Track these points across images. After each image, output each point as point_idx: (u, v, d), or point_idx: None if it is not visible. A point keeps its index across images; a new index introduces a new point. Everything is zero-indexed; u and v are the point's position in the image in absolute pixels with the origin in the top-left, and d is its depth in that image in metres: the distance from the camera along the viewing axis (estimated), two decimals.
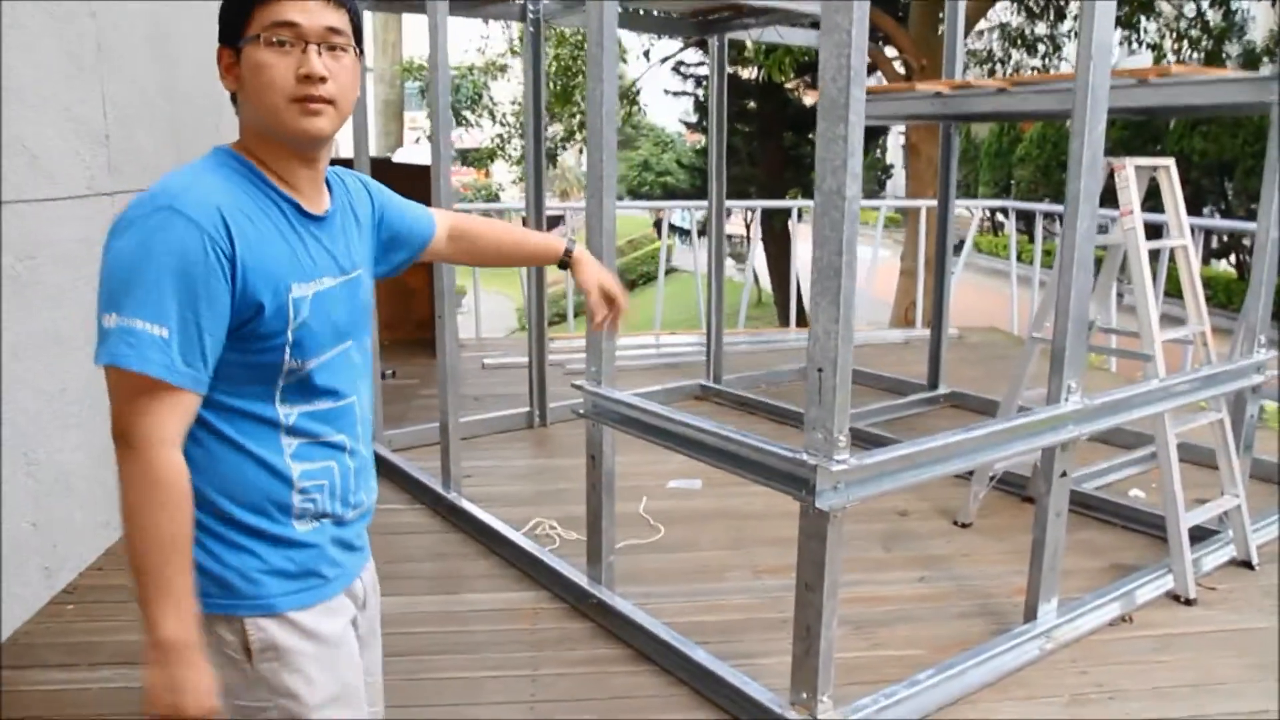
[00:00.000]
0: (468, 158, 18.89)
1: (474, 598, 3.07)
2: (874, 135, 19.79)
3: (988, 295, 9.94)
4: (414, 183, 3.86)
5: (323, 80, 1.22)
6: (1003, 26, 13.44)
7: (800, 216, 7.86)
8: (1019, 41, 12.80)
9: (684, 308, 11.32)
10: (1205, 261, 15.13)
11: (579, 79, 13.16)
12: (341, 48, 1.25)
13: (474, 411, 4.94)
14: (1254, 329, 3.27)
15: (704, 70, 15.22)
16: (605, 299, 1.76)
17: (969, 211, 9.54)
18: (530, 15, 4.49)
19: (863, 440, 4.32)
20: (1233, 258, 16.25)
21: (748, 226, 8.72)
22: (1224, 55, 11.61)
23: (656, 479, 4.00)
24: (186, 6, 3.87)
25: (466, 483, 3.88)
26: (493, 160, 16.26)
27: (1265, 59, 11.48)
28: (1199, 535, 3.21)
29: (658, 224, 8.26)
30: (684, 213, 11.04)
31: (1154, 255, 3.36)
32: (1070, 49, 12.08)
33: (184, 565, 1.17)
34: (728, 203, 5.92)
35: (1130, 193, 3.06)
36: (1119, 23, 10.90)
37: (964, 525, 3.58)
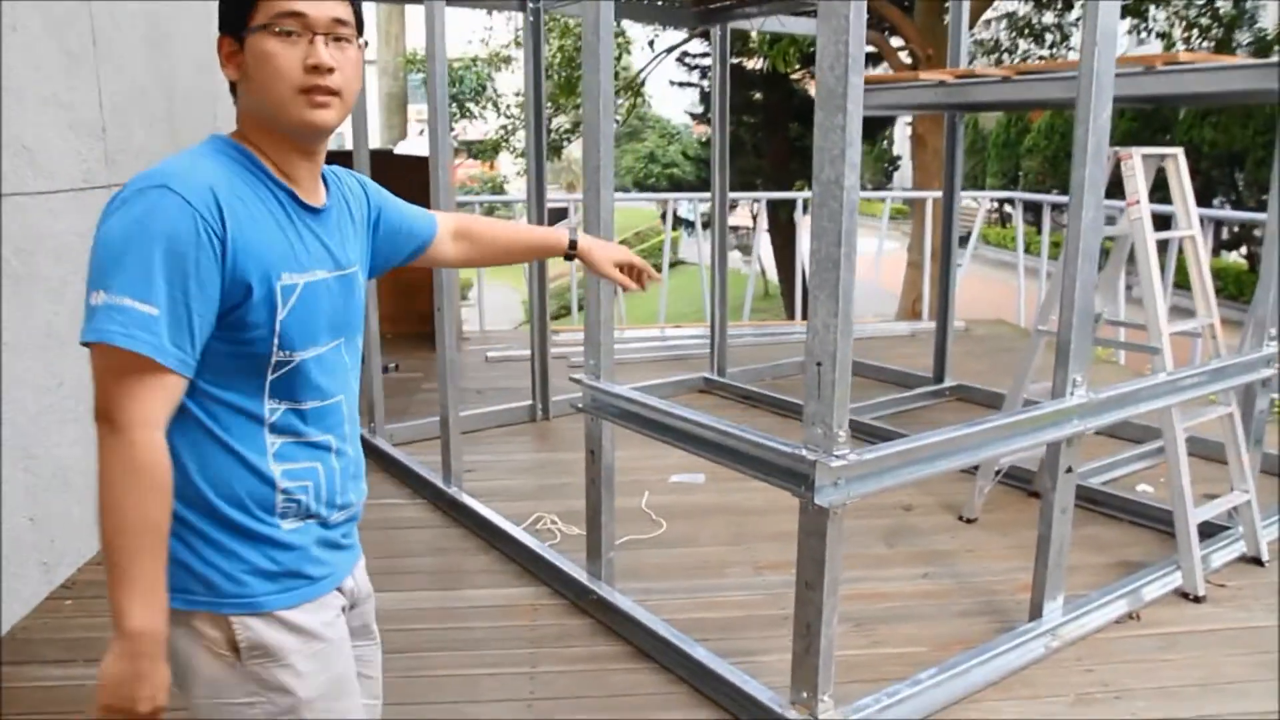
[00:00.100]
0: (473, 150, 18.85)
1: (473, 593, 3.05)
2: (881, 126, 19.74)
3: (995, 287, 9.89)
4: (415, 174, 3.85)
5: (330, 71, 1.21)
6: (1010, 16, 13.34)
7: (805, 208, 7.81)
8: (1026, 31, 12.70)
9: (691, 300, 11.27)
10: (1215, 253, 15.01)
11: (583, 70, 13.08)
12: (346, 39, 1.24)
13: (476, 405, 4.92)
14: (1264, 321, 3.23)
15: (709, 61, 15.16)
16: (626, 271, 1.80)
17: (975, 203, 9.48)
18: (530, 5, 4.45)
19: (867, 434, 4.30)
20: (1243, 249, 16.13)
21: (754, 218, 8.65)
22: (1234, 44, 11.49)
23: (658, 473, 3.98)
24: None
25: (468, 477, 3.85)
26: (497, 152, 16.22)
27: (1277, 47, 11.35)
28: (1208, 531, 3.17)
29: (665, 216, 8.20)
30: (689, 204, 11.00)
31: (1163, 247, 3.31)
32: (1078, 38, 11.97)
33: (157, 554, 1.14)
34: (732, 194, 5.88)
35: (1137, 182, 3.01)
36: (1127, 11, 10.80)
37: (969, 520, 3.55)
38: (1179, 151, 3.17)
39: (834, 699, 2.18)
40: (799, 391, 2.02)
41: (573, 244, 1.76)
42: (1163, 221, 3.36)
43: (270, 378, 1.24)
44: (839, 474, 2.01)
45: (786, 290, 15.48)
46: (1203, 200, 11.89)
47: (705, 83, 16.42)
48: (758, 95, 15.61)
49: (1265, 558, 3.14)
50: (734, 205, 11.60)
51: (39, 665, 2.59)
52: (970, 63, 5.74)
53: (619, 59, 13.00)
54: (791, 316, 10.14)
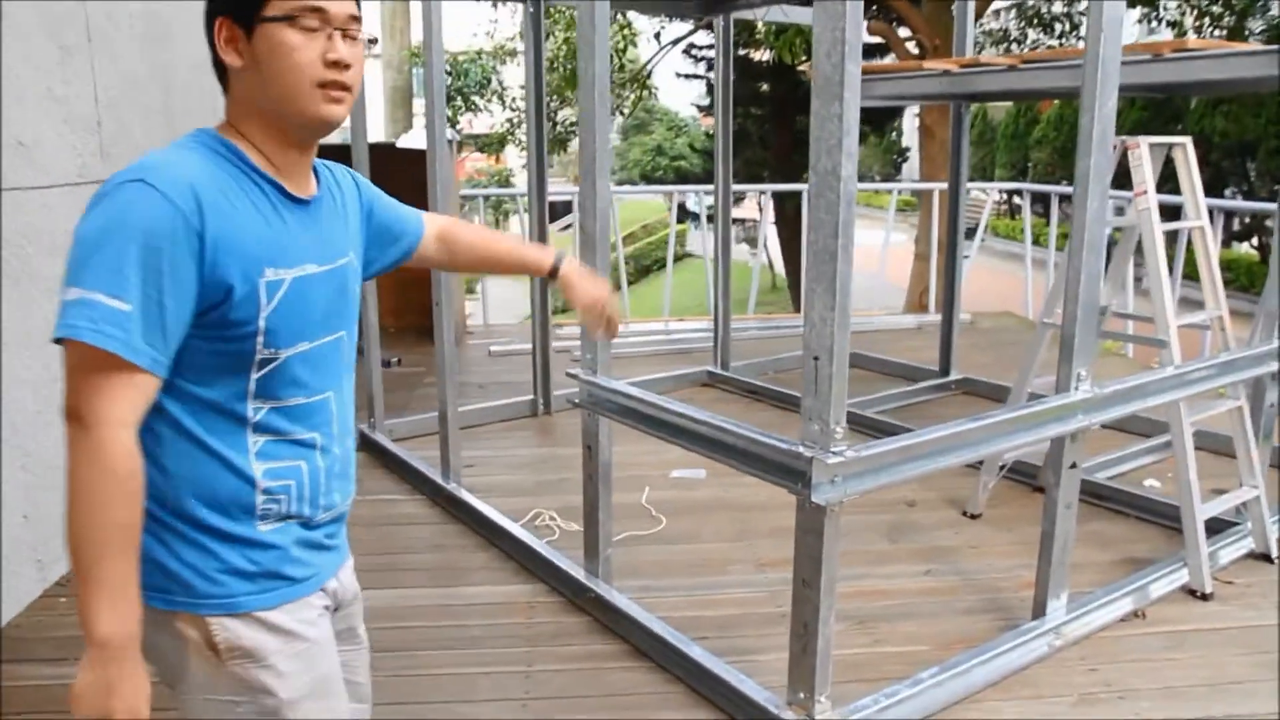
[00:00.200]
0: (479, 143, 18.82)
1: (471, 591, 3.02)
2: (889, 118, 19.63)
3: (1004, 279, 9.82)
4: (418, 167, 3.84)
5: (347, 67, 1.21)
6: (1019, 5, 13.21)
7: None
8: (1035, 20, 12.58)
9: (697, 293, 11.24)
10: (1226, 244, 14.87)
11: None
12: (355, 35, 1.24)
13: (477, 400, 4.89)
14: (1275, 313, 3.17)
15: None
16: (597, 314, 1.70)
17: (984, 194, 9.41)
18: None
19: (870, 428, 4.25)
20: (1255, 240, 15.98)
21: (761, 210, 8.60)
22: (1246, 32, 11.36)
23: (659, 468, 3.94)
24: None
25: (467, 472, 3.83)
26: (504, 146, 16.19)
27: None
28: (1216, 527, 3.11)
29: (671, 209, 8.16)
30: (696, 197, 10.96)
31: (1173, 238, 3.26)
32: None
33: (125, 558, 1.11)
34: (736, 186, 5.84)
35: (1144, 172, 2.96)
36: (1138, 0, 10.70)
37: (973, 516, 3.50)
38: (1187, 141, 3.11)
39: (832, 699, 2.15)
40: (802, 385, 1.98)
41: (555, 268, 1.69)
42: (1173, 212, 3.30)
43: (254, 376, 1.21)
44: (836, 471, 1.97)
45: (794, 283, 15.43)
46: (1214, 191, 11.78)
47: (712, 75, 16.36)
48: (764, 87, 15.54)
49: (1274, 554, 3.09)
50: (741, 198, 11.54)
51: (33, 664, 2.57)
52: (978, 53, 5.67)
53: (624, 51, 12.93)
54: (798, 309, 10.09)
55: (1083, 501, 2.72)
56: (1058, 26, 12.42)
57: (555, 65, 11.88)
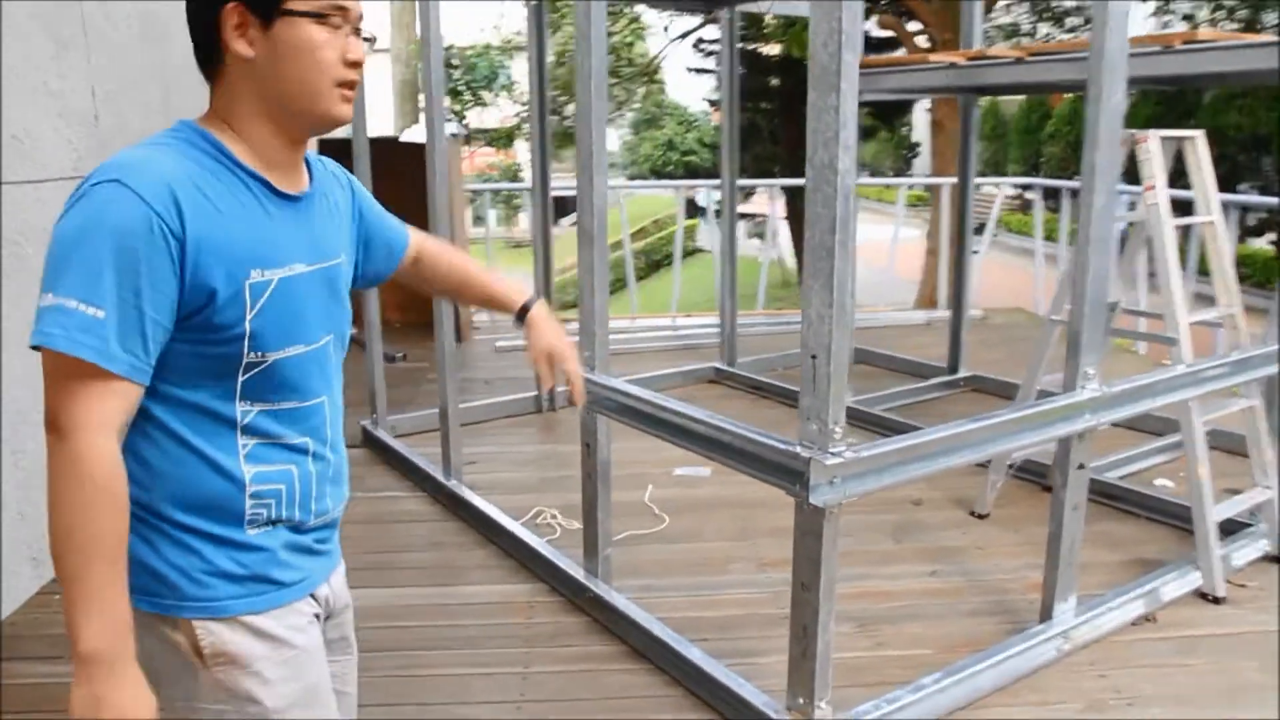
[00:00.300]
0: (489, 137, 18.80)
1: (469, 590, 2.98)
2: (900, 112, 19.48)
3: (1016, 274, 9.73)
4: (420, 160, 3.82)
5: (360, 66, 1.21)
6: None
7: None
8: (1046, 14, 12.47)
9: (706, 289, 11.18)
10: (1241, 239, 14.70)
11: None
12: (362, 33, 1.23)
13: (480, 396, 4.86)
14: None
15: None
16: (547, 366, 1.58)
17: (996, 189, 9.32)
18: None
19: (877, 426, 4.19)
20: (1271, 235, 15.80)
21: (772, 205, 8.53)
22: (1259, 25, 11.23)
23: (662, 466, 3.90)
24: None
25: (469, 469, 3.79)
26: (512, 140, 16.16)
27: None
28: (1229, 529, 3.05)
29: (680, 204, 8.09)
30: (706, 192, 10.90)
31: (1187, 233, 3.19)
32: None
33: (111, 570, 1.07)
34: (744, 181, 5.78)
35: (1154, 166, 2.90)
36: None
37: (980, 516, 3.45)
38: (1198, 134, 3.04)
39: (832, 704, 2.10)
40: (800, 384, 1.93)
41: (525, 309, 1.59)
42: (1187, 207, 3.23)
43: (241, 379, 1.17)
44: (835, 472, 1.92)
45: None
46: (1228, 186, 11.63)
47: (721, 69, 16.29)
48: (774, 81, 15.43)
49: None
50: (751, 192, 11.47)
51: (29, 661, 2.55)
52: (988, 47, 5.59)
53: (631, 45, 12.88)
54: None
55: (1092, 501, 2.66)
56: (1069, 20, 12.31)
57: (563, 60, 11.83)
